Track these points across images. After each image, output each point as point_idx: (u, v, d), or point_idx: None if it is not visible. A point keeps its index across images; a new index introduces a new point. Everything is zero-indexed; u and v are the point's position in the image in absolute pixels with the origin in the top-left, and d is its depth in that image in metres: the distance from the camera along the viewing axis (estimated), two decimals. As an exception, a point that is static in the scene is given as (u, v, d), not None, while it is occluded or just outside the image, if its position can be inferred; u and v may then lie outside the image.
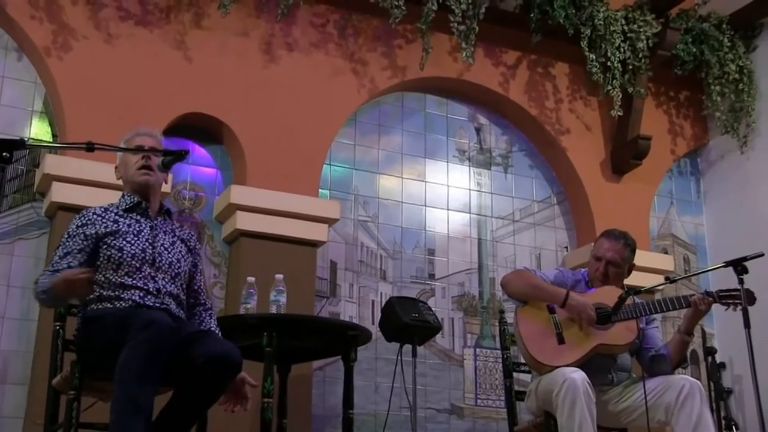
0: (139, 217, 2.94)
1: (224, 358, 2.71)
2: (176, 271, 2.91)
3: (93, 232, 2.85)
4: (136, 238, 2.88)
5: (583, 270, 3.51)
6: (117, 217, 2.91)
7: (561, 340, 3.23)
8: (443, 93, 5.32)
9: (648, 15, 5.21)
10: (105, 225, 2.87)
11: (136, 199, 2.96)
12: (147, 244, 2.88)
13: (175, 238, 2.99)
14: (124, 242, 2.85)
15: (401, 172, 5.12)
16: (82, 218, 2.89)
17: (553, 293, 3.29)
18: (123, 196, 2.99)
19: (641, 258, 4.79)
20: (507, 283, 3.42)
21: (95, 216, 2.89)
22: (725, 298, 3.20)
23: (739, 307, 3.09)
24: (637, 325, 3.27)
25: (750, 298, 3.06)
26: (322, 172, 4.75)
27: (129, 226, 2.90)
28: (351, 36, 4.95)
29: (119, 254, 2.82)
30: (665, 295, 3.72)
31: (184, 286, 2.97)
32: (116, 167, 3.06)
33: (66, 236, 2.87)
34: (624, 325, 3.25)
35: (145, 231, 2.92)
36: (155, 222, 2.97)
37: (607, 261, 3.36)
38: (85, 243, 2.84)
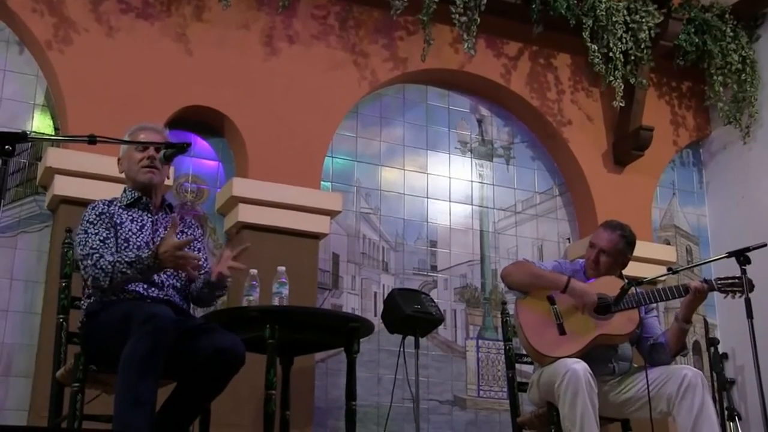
0: (140, 212, 2.95)
1: (229, 351, 2.72)
2: (177, 263, 2.91)
3: (111, 223, 2.85)
4: (139, 233, 2.89)
5: (580, 261, 3.52)
6: (120, 210, 2.92)
7: (562, 331, 3.23)
8: (445, 85, 5.31)
9: (650, 5, 5.18)
10: (113, 217, 2.88)
11: (137, 194, 2.96)
12: (149, 238, 2.89)
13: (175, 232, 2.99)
14: (130, 234, 2.87)
15: (403, 163, 5.11)
16: (96, 208, 2.89)
17: (555, 280, 3.30)
18: (125, 191, 2.99)
19: (643, 249, 4.80)
20: (507, 274, 3.43)
21: (105, 206, 2.90)
22: (724, 285, 3.21)
23: (738, 295, 3.11)
24: (638, 315, 3.28)
25: (749, 286, 3.06)
26: (323, 165, 4.75)
27: (132, 221, 2.91)
28: (352, 28, 4.95)
29: (125, 245, 2.84)
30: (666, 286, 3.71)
31: (186, 277, 2.98)
32: (119, 160, 3.06)
33: (88, 224, 2.84)
34: (625, 315, 3.25)
35: (146, 226, 2.93)
36: (156, 217, 2.97)
37: (600, 249, 3.38)
38: (112, 231, 2.84)
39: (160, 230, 2.94)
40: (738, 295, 3.15)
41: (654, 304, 3.39)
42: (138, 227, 2.90)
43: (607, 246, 3.37)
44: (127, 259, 2.70)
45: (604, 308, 3.25)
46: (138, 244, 2.86)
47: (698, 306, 3.34)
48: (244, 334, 3.11)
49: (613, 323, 3.25)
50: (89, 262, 2.74)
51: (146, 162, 2.92)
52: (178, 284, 2.93)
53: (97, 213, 2.87)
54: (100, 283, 2.73)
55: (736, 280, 3.15)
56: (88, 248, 2.78)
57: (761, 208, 5.25)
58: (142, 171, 2.93)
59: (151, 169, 2.93)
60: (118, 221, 2.88)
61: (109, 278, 2.71)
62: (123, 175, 3.04)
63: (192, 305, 3.06)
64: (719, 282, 3.23)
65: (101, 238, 2.80)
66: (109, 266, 2.70)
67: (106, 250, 2.77)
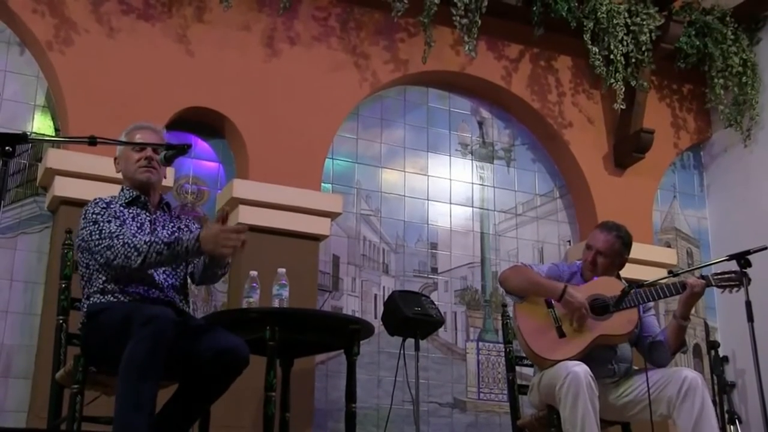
0: (139, 210, 2.94)
1: (232, 352, 2.71)
2: (176, 262, 2.90)
3: (115, 216, 2.84)
4: (138, 231, 2.88)
5: (578, 262, 3.52)
6: (121, 208, 2.92)
7: (561, 334, 3.23)
8: (445, 87, 5.32)
9: (651, 8, 5.19)
10: (114, 213, 2.88)
11: (135, 193, 2.96)
12: (148, 237, 2.89)
13: (173, 229, 2.99)
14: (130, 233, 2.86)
15: (404, 165, 5.11)
16: (99, 203, 2.87)
17: (551, 288, 3.29)
18: (122, 190, 2.99)
19: (644, 252, 4.81)
20: (505, 279, 3.43)
21: (105, 203, 2.89)
22: (720, 281, 3.22)
23: (735, 290, 3.13)
24: (637, 315, 3.28)
25: (746, 280, 3.07)
26: (324, 166, 4.75)
27: (133, 219, 2.91)
28: (353, 30, 4.95)
29: None
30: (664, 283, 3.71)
31: (186, 276, 2.98)
32: (115, 159, 3.04)
33: (95, 215, 2.81)
34: (624, 316, 3.25)
35: (145, 224, 2.92)
36: (155, 216, 2.97)
37: (596, 250, 3.38)
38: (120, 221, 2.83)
39: (158, 229, 2.94)
40: (735, 289, 3.16)
41: (651, 303, 3.39)
42: (137, 226, 2.90)
43: (603, 247, 3.37)
44: (165, 240, 2.68)
45: (602, 309, 3.25)
46: (138, 243, 2.85)
47: (695, 302, 3.34)
48: (244, 335, 3.10)
49: (611, 323, 3.25)
50: (117, 242, 2.69)
51: (144, 162, 2.92)
52: (177, 283, 2.93)
53: (102, 207, 2.86)
54: (130, 262, 2.67)
55: (733, 275, 3.16)
56: (107, 232, 2.74)
57: (762, 210, 5.24)
58: (139, 170, 2.93)
59: (149, 168, 2.92)
60: (121, 219, 2.87)
61: (142, 257, 2.65)
62: (120, 175, 3.04)
63: (194, 298, 3.06)
64: (716, 277, 3.24)
65: (117, 224, 2.78)
66: (145, 246, 2.66)
67: (124, 235, 2.74)
